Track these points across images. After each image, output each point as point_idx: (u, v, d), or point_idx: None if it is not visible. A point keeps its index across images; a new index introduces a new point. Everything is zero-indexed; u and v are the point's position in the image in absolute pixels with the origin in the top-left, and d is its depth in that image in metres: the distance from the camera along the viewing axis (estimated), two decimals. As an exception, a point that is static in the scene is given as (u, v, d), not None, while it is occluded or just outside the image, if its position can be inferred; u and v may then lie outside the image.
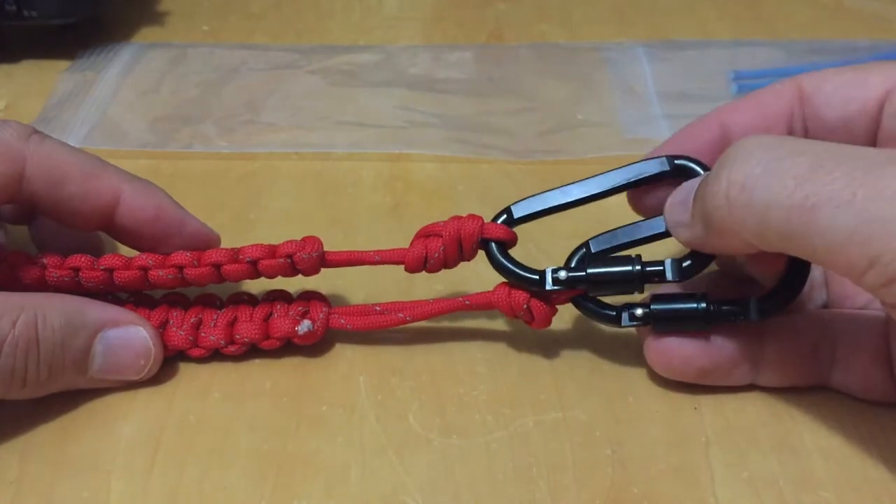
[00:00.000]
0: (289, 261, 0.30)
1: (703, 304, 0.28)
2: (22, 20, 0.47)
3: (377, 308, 0.31)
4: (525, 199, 0.30)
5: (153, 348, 0.29)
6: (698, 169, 0.29)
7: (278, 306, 0.31)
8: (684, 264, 0.29)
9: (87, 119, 0.44)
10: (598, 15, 0.54)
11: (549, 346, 0.31)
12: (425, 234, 0.31)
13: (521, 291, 0.30)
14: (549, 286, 0.29)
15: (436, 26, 0.53)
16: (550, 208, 0.30)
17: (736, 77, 0.46)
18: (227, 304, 0.32)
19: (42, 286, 0.30)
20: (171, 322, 0.30)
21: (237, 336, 0.30)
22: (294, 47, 0.51)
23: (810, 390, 0.29)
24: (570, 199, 0.30)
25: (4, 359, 0.26)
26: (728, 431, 0.28)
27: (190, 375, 0.30)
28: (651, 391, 0.30)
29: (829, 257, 0.22)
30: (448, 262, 0.30)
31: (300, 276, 0.31)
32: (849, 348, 0.28)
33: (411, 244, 0.31)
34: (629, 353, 0.31)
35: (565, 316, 0.32)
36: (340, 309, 0.31)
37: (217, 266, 0.30)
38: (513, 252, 0.30)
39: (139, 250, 0.31)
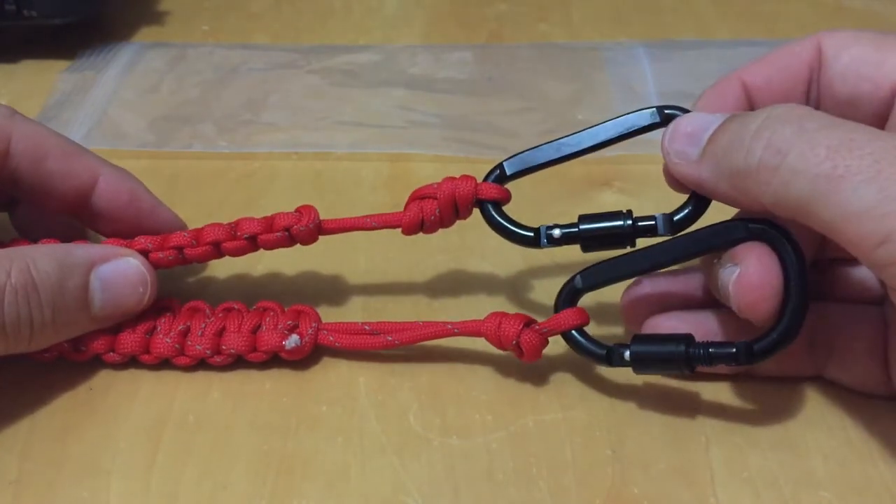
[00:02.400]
0: (286, 234, 0.31)
1: (682, 348, 0.27)
2: (22, 20, 0.47)
3: (366, 328, 0.31)
4: (516, 155, 0.30)
5: (148, 275, 0.30)
6: None
7: (268, 318, 0.31)
8: (675, 218, 0.28)
9: (87, 119, 0.44)
10: (598, 15, 0.54)
11: (550, 347, 0.31)
12: (420, 196, 0.31)
13: (511, 324, 0.29)
14: (543, 243, 0.29)
15: (436, 26, 0.53)
16: (542, 164, 0.30)
17: (736, 77, 0.46)
18: (216, 313, 0.31)
19: None
20: (158, 329, 0.30)
21: (223, 347, 0.30)
22: (294, 47, 0.51)
23: (811, 390, 0.29)
24: (561, 154, 0.30)
25: (8, 307, 0.26)
26: (728, 431, 0.28)
27: (190, 375, 0.30)
28: (651, 391, 0.30)
29: (843, 227, 0.23)
30: (444, 223, 0.31)
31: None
32: (845, 341, 0.29)
33: (406, 207, 0.31)
34: (629, 353, 0.31)
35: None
36: (330, 325, 0.31)
37: (216, 244, 0.31)
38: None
39: (109, 236, 0.32)
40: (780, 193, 0.24)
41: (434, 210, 0.30)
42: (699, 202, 0.28)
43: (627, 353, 0.27)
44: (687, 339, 0.27)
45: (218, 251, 0.31)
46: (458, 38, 0.52)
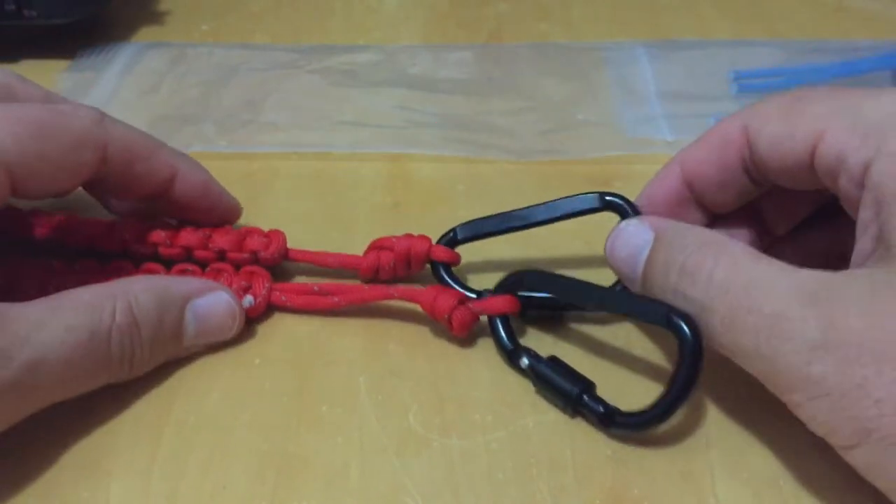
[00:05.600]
0: (253, 256, 0.33)
1: (577, 392, 0.28)
2: (22, 20, 0.47)
3: (315, 288, 0.32)
4: (469, 222, 0.33)
5: (237, 308, 0.31)
6: (626, 207, 0.32)
7: (222, 279, 0.32)
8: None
9: (87, 119, 0.44)
10: (598, 14, 0.54)
11: (550, 347, 0.31)
12: (379, 246, 0.33)
13: (447, 299, 0.31)
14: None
15: (436, 26, 0.53)
16: (492, 231, 0.33)
17: (736, 77, 0.46)
18: (171, 274, 0.33)
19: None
20: None
21: None
22: (294, 47, 0.51)
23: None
24: (510, 225, 0.33)
25: (114, 347, 0.28)
26: (728, 431, 0.28)
27: (190, 375, 0.30)
28: (651, 391, 0.29)
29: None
30: (397, 273, 0.33)
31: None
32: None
33: (365, 254, 0.33)
34: (629, 354, 0.31)
35: (566, 318, 0.32)
36: (281, 286, 0.33)
37: (188, 249, 0.33)
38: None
39: (181, 217, 0.34)
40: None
41: (389, 261, 0.33)
42: None
43: (526, 362, 0.30)
44: (588, 385, 0.29)
45: (188, 255, 0.33)
46: (458, 38, 0.52)
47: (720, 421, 0.28)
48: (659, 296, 0.27)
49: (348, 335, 0.32)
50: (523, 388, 0.30)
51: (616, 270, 0.29)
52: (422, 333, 0.32)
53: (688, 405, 0.29)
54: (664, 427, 0.28)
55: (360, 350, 0.31)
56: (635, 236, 0.28)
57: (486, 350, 0.31)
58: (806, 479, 0.27)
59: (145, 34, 0.52)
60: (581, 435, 0.28)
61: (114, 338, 0.28)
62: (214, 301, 0.31)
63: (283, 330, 0.32)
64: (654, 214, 0.31)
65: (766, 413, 0.29)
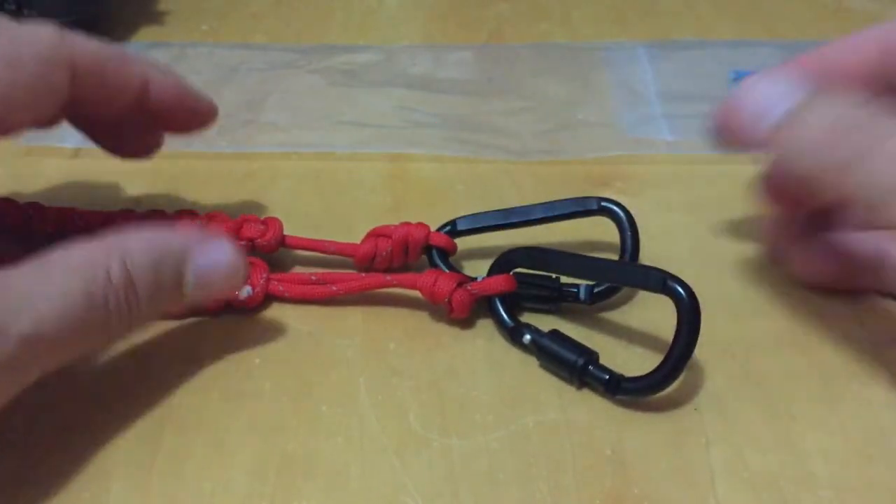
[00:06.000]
0: (250, 244, 0.34)
1: (582, 362, 0.29)
2: (22, 20, 0.47)
3: (313, 277, 0.33)
4: (470, 215, 0.34)
5: (240, 259, 0.29)
6: (620, 213, 0.33)
7: None
8: (596, 290, 0.32)
9: (87, 119, 0.44)
10: (598, 15, 0.54)
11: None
12: (377, 234, 0.34)
13: (446, 282, 0.31)
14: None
15: (436, 26, 0.53)
16: (490, 226, 0.34)
17: (736, 77, 0.46)
18: None
19: None
20: None
21: None
22: (294, 47, 0.51)
23: (811, 390, 0.29)
24: (508, 221, 0.34)
25: (113, 308, 0.27)
26: (728, 431, 0.28)
27: (190, 375, 0.30)
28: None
29: None
30: (393, 262, 0.33)
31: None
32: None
33: (363, 241, 0.34)
34: (629, 354, 0.31)
35: (566, 316, 0.32)
36: (279, 276, 0.33)
37: None
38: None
39: (164, 130, 0.35)
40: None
41: (386, 248, 0.33)
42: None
43: (528, 337, 0.30)
44: (592, 355, 0.29)
45: None
46: (458, 38, 0.52)
47: (720, 420, 0.28)
48: (794, 153, 0.26)
49: (348, 335, 0.32)
50: (523, 388, 0.30)
51: (733, 125, 0.28)
52: (422, 333, 0.32)
53: (688, 405, 0.29)
54: (665, 427, 0.28)
55: (360, 350, 0.31)
56: (776, 90, 0.27)
57: (487, 350, 0.31)
58: (806, 478, 0.27)
59: (145, 34, 0.52)
60: (581, 435, 0.28)
61: (111, 300, 0.26)
62: (215, 256, 0.29)
63: (283, 330, 0.32)
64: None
65: (767, 412, 0.29)
